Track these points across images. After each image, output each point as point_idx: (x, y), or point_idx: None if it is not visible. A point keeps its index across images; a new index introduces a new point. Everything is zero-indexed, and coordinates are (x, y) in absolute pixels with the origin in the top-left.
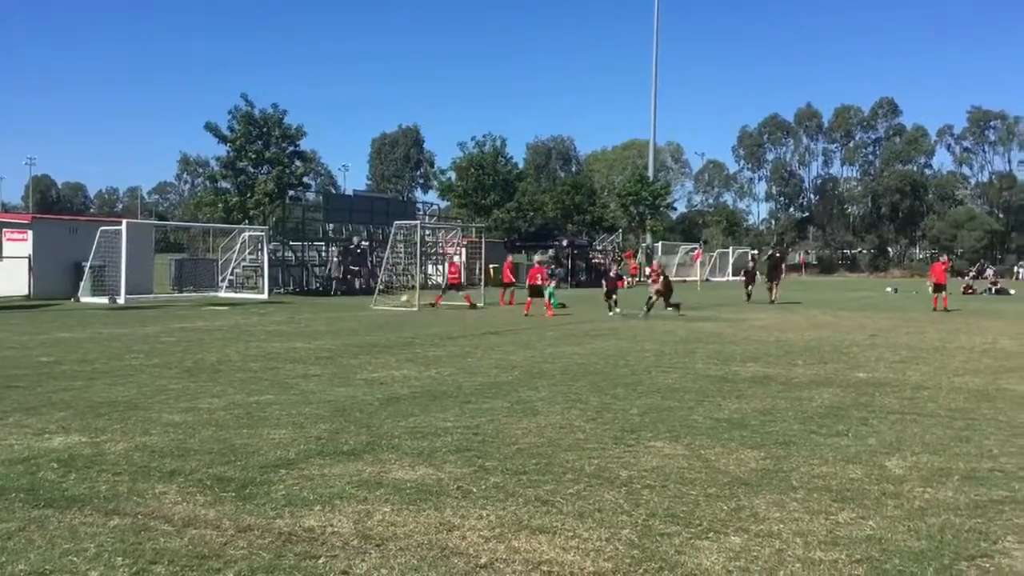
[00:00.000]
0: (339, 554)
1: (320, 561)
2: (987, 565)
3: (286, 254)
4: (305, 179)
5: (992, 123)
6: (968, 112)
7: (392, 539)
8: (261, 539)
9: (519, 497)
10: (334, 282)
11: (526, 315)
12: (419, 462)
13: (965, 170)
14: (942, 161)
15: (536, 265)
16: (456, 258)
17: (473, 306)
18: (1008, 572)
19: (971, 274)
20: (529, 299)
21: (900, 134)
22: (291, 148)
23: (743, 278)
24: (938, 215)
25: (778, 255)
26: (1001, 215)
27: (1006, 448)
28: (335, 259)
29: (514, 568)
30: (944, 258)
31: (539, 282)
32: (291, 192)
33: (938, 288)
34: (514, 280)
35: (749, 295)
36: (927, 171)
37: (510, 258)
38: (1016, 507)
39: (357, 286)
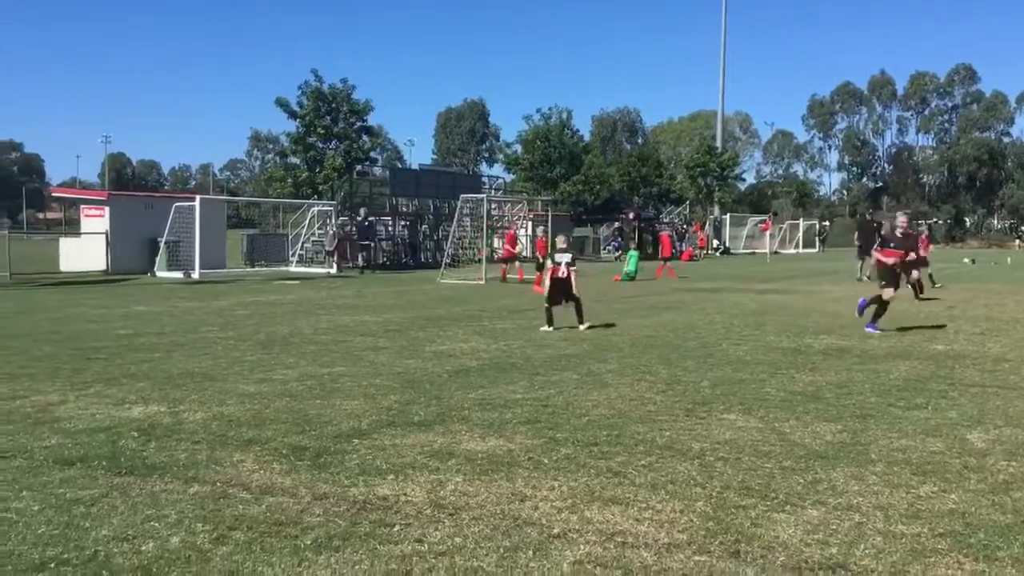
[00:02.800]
0: (413, 522)
1: (395, 529)
2: None
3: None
4: (372, 154)
5: None
6: None
7: (465, 508)
8: (336, 507)
9: (590, 468)
10: (328, 258)
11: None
12: (489, 433)
13: None
14: (1022, 129)
15: (540, 237)
16: (522, 231)
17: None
18: None
19: None
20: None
21: (978, 101)
22: (359, 123)
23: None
24: (1017, 184)
25: (873, 222)
26: None
27: None
28: (330, 231)
29: (587, 538)
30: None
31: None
32: (358, 167)
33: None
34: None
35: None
36: (1006, 139)
37: (541, 236)
38: None
39: (361, 262)
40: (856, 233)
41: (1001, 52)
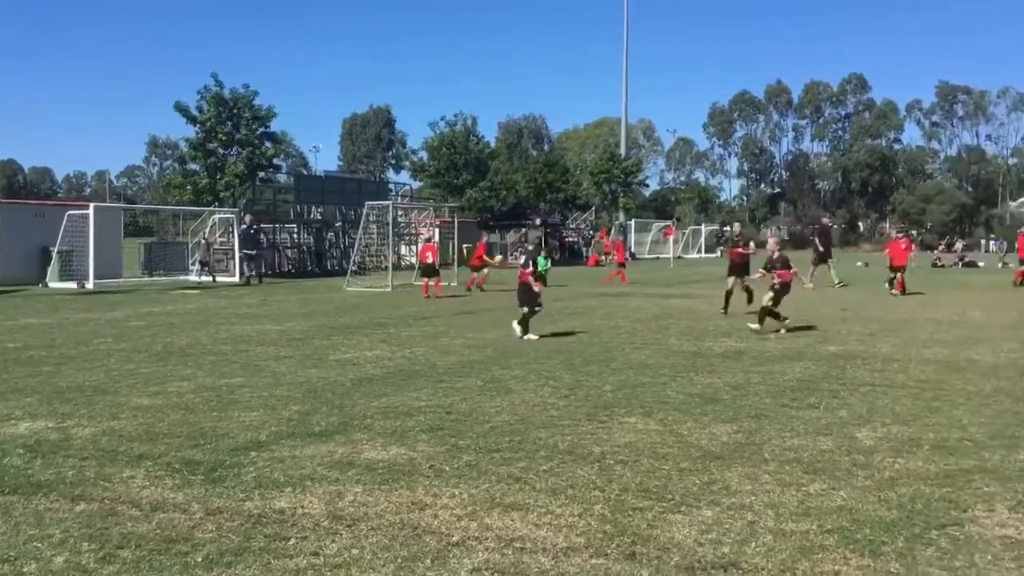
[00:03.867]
0: (309, 535)
1: (290, 543)
2: (957, 533)
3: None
4: (275, 160)
5: (960, 97)
6: (936, 87)
7: (363, 519)
8: (230, 522)
9: (492, 475)
10: (198, 267)
11: (426, 298)
12: (391, 442)
13: (934, 144)
14: (911, 136)
15: (428, 243)
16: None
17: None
18: (978, 540)
19: (941, 248)
20: (424, 280)
21: (870, 109)
22: (261, 129)
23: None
24: (907, 189)
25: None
26: (970, 188)
27: (975, 418)
28: (203, 241)
29: (486, 545)
30: (898, 235)
31: (429, 261)
32: (261, 174)
33: (896, 269)
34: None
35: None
36: (896, 146)
37: (484, 239)
38: (985, 476)
39: (247, 271)
40: (817, 239)
41: (890, 62)
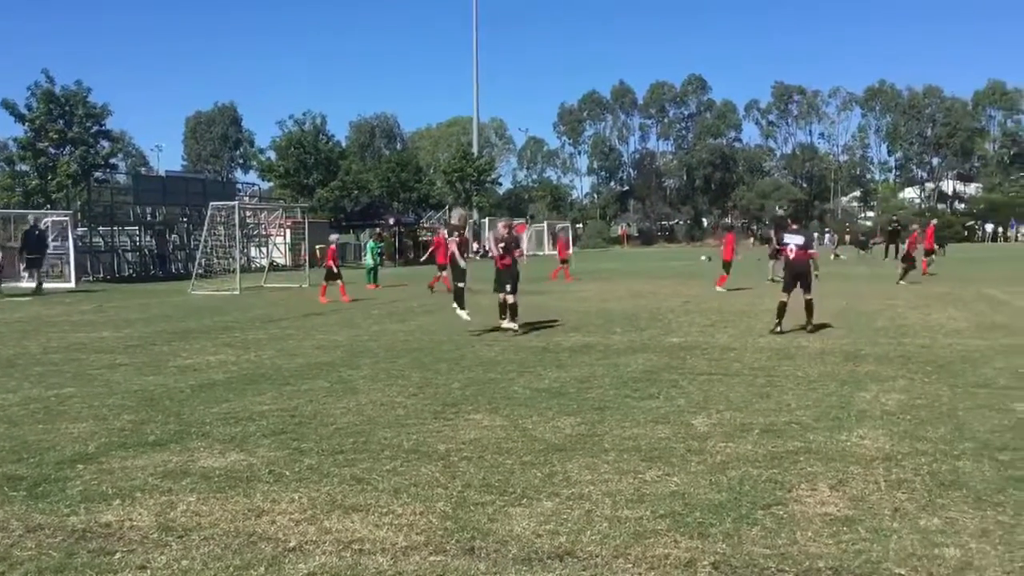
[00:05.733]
0: (137, 548)
1: (116, 557)
2: (781, 512)
3: (94, 240)
4: (113, 160)
5: (794, 97)
6: (772, 87)
7: (196, 529)
8: (52, 538)
9: (334, 477)
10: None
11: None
12: (230, 448)
13: (771, 143)
14: (750, 134)
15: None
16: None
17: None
18: (800, 518)
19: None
20: (324, 284)
21: (710, 109)
22: (96, 127)
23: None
24: (747, 186)
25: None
26: (804, 184)
27: (802, 402)
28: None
29: (324, 549)
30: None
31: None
32: (97, 174)
33: (926, 253)
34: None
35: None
36: (736, 144)
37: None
38: (810, 456)
39: (30, 275)
40: (773, 232)
41: (728, 64)
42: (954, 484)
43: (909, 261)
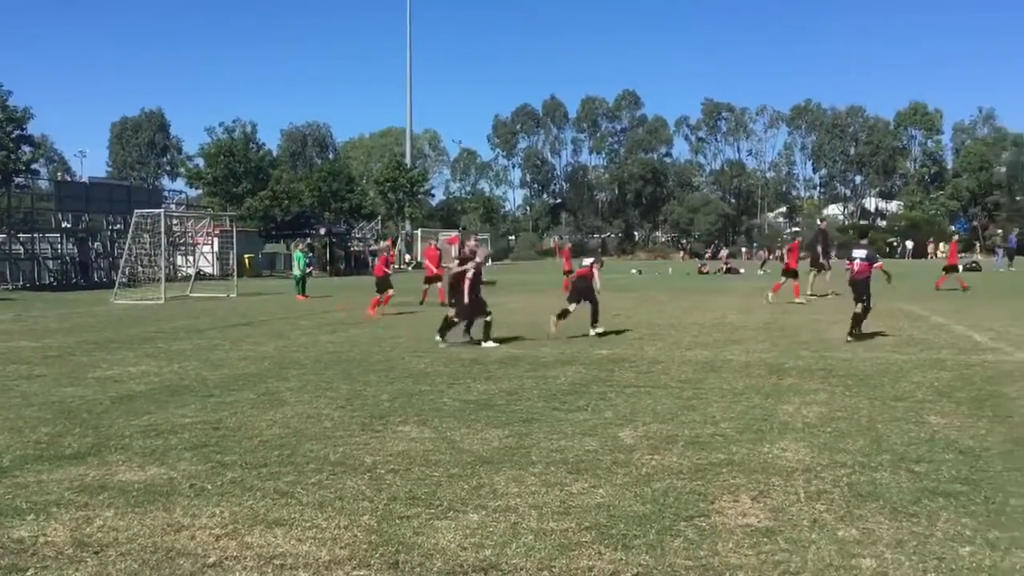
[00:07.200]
0: (51, 564)
1: (28, 574)
2: (703, 524)
3: (14, 247)
4: (34, 166)
5: (723, 114)
6: (702, 104)
7: (112, 545)
8: None
9: (257, 491)
10: None
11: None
12: (150, 462)
13: (700, 158)
14: (680, 150)
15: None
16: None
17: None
18: (721, 529)
19: (707, 255)
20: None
21: (642, 124)
22: (17, 132)
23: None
24: (677, 201)
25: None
26: (732, 200)
27: (727, 414)
28: None
29: (245, 564)
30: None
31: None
32: (18, 180)
33: (950, 269)
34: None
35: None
36: (667, 159)
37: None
38: (732, 468)
39: None
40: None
41: (660, 80)
42: (871, 495)
43: (793, 275)
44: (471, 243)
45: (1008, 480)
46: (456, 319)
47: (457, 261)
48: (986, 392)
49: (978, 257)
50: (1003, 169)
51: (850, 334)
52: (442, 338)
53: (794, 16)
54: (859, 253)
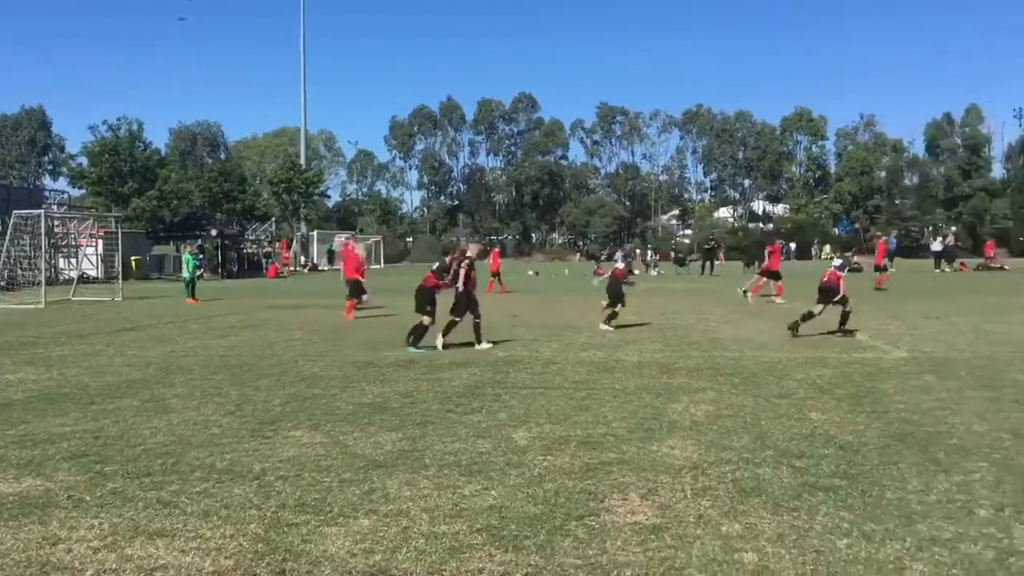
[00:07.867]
0: None
1: None
2: (593, 523)
3: None
4: None
5: (618, 118)
6: (597, 108)
7: None
8: None
9: (139, 501)
10: None
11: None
12: (26, 473)
13: (596, 161)
14: (576, 153)
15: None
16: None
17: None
18: (611, 527)
19: (603, 257)
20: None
21: (539, 127)
22: None
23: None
24: (574, 203)
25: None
26: (627, 203)
27: (619, 414)
28: None
29: None
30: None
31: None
32: None
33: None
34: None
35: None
36: (563, 162)
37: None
38: (623, 467)
39: None
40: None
41: (556, 83)
42: (755, 491)
43: (774, 276)
44: (469, 249)
45: (884, 474)
46: (457, 318)
47: (450, 276)
48: (865, 389)
49: (858, 259)
50: (883, 173)
51: (840, 330)
52: (415, 345)
53: (687, 23)
54: (836, 263)
